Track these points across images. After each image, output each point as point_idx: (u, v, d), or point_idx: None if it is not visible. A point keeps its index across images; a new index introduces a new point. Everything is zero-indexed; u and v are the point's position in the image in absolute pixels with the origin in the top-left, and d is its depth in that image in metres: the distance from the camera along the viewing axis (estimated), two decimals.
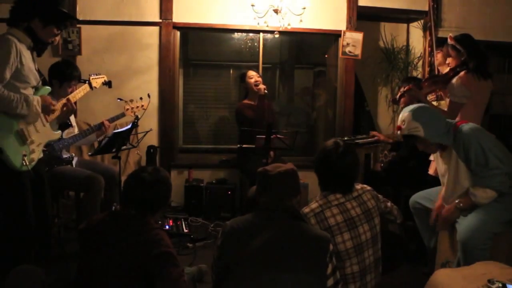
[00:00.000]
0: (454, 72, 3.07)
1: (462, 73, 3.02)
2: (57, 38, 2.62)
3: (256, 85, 4.15)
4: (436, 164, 2.73)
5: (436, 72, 3.78)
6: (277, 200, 1.86)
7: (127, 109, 3.52)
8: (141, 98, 3.59)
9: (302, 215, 1.93)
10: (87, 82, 3.20)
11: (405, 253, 2.56)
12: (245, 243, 1.76)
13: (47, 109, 2.62)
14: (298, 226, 1.83)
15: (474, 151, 2.41)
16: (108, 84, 3.38)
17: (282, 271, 1.71)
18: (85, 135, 3.35)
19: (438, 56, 3.75)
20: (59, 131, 2.86)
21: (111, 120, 3.49)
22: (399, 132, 2.57)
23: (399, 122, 2.57)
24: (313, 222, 2.05)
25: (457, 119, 2.89)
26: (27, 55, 2.48)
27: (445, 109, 3.17)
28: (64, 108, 2.83)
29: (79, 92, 3.07)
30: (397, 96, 3.67)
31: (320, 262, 1.76)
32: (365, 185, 2.27)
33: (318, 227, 2.03)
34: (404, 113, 2.53)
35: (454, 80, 3.05)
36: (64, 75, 3.20)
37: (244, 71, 4.26)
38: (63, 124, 3.13)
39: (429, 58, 4.75)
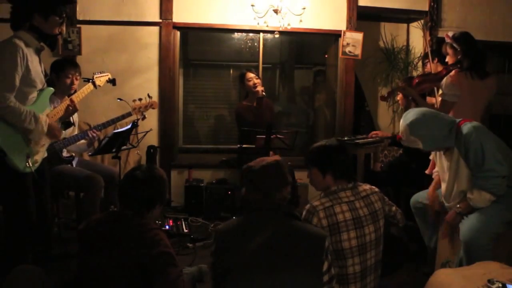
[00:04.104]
0: (447, 70, 3.06)
1: (453, 71, 3.00)
2: (63, 27, 2.61)
3: (255, 87, 4.14)
4: (438, 161, 2.72)
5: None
6: (266, 194, 1.84)
7: (134, 109, 3.41)
8: (150, 97, 3.51)
9: (294, 212, 1.90)
10: (91, 81, 3.20)
11: (405, 255, 2.56)
12: (239, 247, 1.75)
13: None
14: (293, 224, 1.81)
15: (474, 150, 2.41)
16: (112, 82, 3.36)
17: (279, 271, 1.70)
18: (81, 137, 3.33)
19: (428, 67, 3.64)
20: (62, 131, 2.87)
21: (116, 119, 3.42)
22: (402, 142, 2.60)
23: (400, 132, 2.59)
24: (322, 215, 2.04)
25: (460, 118, 2.86)
26: (34, 59, 2.48)
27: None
28: (70, 108, 2.84)
29: (82, 92, 3.07)
30: (386, 93, 3.64)
31: (316, 260, 1.75)
32: (373, 186, 2.28)
33: (326, 221, 2.03)
34: (403, 125, 2.54)
35: (444, 79, 3.03)
36: (58, 67, 3.23)
37: (243, 71, 4.23)
38: (66, 123, 3.13)
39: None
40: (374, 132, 4.16)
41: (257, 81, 4.16)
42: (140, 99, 3.44)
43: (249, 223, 1.82)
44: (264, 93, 4.15)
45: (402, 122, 2.56)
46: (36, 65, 2.51)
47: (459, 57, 3.02)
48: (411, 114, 2.54)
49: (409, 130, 2.49)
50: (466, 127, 2.48)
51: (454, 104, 2.98)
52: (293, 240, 1.76)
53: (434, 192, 2.83)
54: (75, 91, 3.14)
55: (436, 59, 3.53)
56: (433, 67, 3.52)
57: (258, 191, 1.86)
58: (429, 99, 3.61)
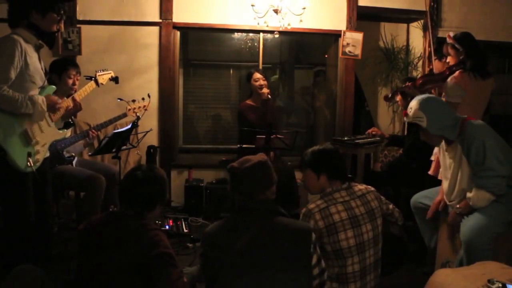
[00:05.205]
0: (450, 71, 3.06)
1: (456, 72, 3.00)
2: (61, 25, 2.60)
3: (260, 89, 4.11)
4: (441, 158, 2.73)
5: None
6: (249, 196, 1.85)
7: (129, 110, 3.49)
8: (143, 99, 3.57)
9: (279, 209, 1.89)
10: (93, 79, 3.20)
11: (405, 254, 2.57)
12: (226, 248, 1.75)
13: (52, 108, 2.61)
14: (278, 221, 1.81)
15: (476, 148, 2.42)
16: (115, 80, 3.37)
17: (267, 269, 1.71)
18: (81, 137, 3.34)
19: (436, 65, 3.65)
20: (65, 130, 2.86)
21: (114, 120, 3.47)
22: (405, 118, 2.61)
23: (408, 108, 2.59)
24: (318, 217, 2.05)
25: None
26: (33, 55, 2.47)
27: None
28: (70, 107, 2.84)
29: (85, 90, 3.06)
30: (391, 93, 3.66)
31: (303, 254, 1.76)
32: (369, 186, 2.29)
33: (323, 223, 2.04)
34: (414, 101, 2.55)
35: (448, 80, 3.03)
36: (60, 67, 3.22)
37: (252, 70, 4.21)
38: (66, 123, 3.13)
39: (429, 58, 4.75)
40: (373, 129, 4.15)
41: (264, 82, 4.12)
42: (133, 101, 3.50)
43: (235, 224, 1.83)
44: (269, 96, 4.14)
45: (415, 98, 2.56)
46: (36, 62, 2.50)
47: (461, 57, 3.02)
48: (427, 95, 2.58)
49: (419, 105, 2.50)
50: (470, 124, 2.49)
51: (458, 105, 2.99)
52: (279, 236, 1.76)
53: (441, 198, 2.80)
54: (75, 91, 3.14)
55: (445, 58, 3.52)
56: (440, 65, 3.51)
57: (241, 192, 1.87)
58: None
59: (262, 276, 1.70)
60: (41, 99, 2.49)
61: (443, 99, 3.18)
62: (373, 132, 4.08)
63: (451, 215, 2.59)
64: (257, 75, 4.12)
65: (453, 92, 2.99)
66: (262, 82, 4.11)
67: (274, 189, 1.93)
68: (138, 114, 3.52)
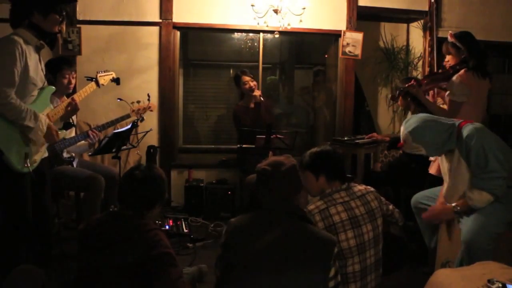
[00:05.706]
0: (454, 70, 3.06)
1: (462, 71, 3.01)
2: (63, 26, 2.60)
3: (251, 91, 4.09)
4: (440, 162, 2.74)
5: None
6: (281, 200, 1.82)
7: (133, 111, 3.47)
8: (148, 99, 3.55)
9: (308, 216, 1.89)
10: (93, 80, 3.20)
11: (405, 255, 2.57)
12: (249, 243, 1.74)
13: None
14: (304, 228, 1.80)
15: (476, 152, 2.41)
16: (116, 81, 3.35)
17: (284, 272, 1.70)
18: (81, 138, 3.34)
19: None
20: (63, 131, 2.85)
21: (116, 121, 3.46)
22: (404, 149, 2.64)
23: (401, 139, 2.62)
24: (318, 218, 2.05)
25: (460, 119, 2.87)
26: (33, 56, 2.46)
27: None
28: (69, 108, 2.82)
29: (85, 91, 3.05)
30: (397, 93, 3.66)
31: (324, 265, 1.74)
32: (368, 186, 2.28)
33: (323, 224, 2.03)
34: (404, 132, 2.56)
35: (454, 78, 3.03)
36: (54, 67, 3.21)
37: (238, 73, 4.18)
38: (66, 124, 3.13)
39: (429, 58, 4.75)
40: (373, 134, 4.17)
41: (253, 83, 4.11)
42: (138, 102, 3.48)
43: (261, 221, 1.81)
44: (262, 98, 4.11)
45: (403, 130, 2.58)
46: (36, 63, 2.49)
47: (462, 56, 3.03)
48: (412, 121, 2.56)
49: (411, 138, 2.53)
50: (467, 129, 2.48)
51: (462, 104, 2.99)
52: (303, 242, 1.75)
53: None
54: (75, 89, 3.13)
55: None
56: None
57: (275, 196, 1.82)
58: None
59: (278, 278, 1.69)
60: (43, 119, 2.48)
61: (447, 98, 3.18)
62: (373, 138, 4.09)
63: (444, 208, 2.59)
64: (246, 78, 4.11)
65: (459, 91, 2.99)
66: (251, 84, 4.10)
67: (303, 193, 1.93)
68: (142, 115, 3.50)
